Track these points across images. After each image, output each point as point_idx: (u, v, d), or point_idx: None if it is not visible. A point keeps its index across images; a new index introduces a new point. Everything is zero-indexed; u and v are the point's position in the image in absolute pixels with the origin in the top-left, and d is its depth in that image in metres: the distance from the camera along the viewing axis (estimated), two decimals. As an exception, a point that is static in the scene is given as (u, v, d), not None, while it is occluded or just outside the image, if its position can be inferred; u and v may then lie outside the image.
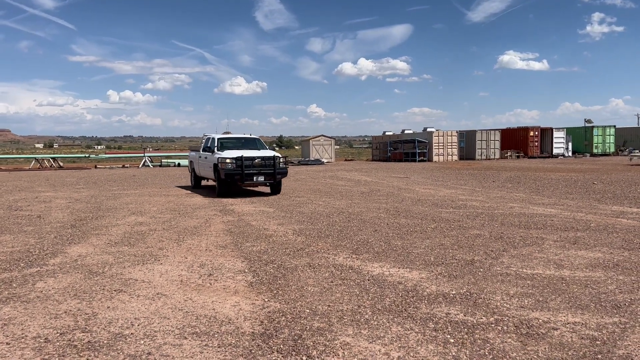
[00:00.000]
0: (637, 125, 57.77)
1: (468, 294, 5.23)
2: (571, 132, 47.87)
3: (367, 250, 7.42)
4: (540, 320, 4.43)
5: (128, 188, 18.92)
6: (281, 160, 15.46)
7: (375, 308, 4.81)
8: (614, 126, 48.43)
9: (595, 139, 47.09)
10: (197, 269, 6.42)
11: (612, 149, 47.50)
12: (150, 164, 39.42)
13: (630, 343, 3.90)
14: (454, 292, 5.29)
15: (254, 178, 14.73)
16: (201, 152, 17.13)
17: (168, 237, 8.61)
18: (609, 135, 47.74)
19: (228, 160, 14.67)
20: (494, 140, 44.01)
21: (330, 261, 6.76)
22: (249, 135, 18.02)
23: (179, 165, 39.09)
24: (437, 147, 42.05)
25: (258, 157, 14.98)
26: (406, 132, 47.42)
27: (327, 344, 3.95)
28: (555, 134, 45.66)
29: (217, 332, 4.22)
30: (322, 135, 46.55)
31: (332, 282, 5.75)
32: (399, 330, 4.22)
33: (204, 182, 18.41)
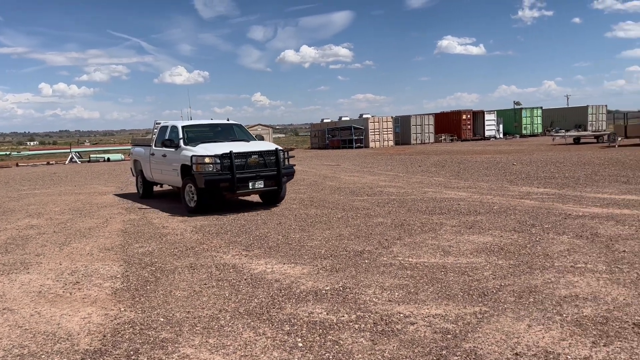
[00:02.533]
0: (566, 106, 60.28)
1: (341, 289, 5.04)
2: (502, 115, 49.36)
3: (260, 246, 7.13)
4: (402, 315, 4.28)
5: (40, 187, 17.80)
6: (286, 156, 10.79)
7: (237, 312, 4.52)
8: (541, 107, 50.35)
9: (524, 121, 48.77)
10: (66, 276, 5.93)
11: (540, 130, 49.37)
12: (77, 160, 37.61)
13: (480, 335, 3.79)
14: (328, 288, 5.09)
15: (250, 184, 9.93)
16: (154, 147, 12.07)
17: (53, 241, 8.01)
18: (537, 116, 49.57)
19: (208, 160, 9.71)
20: (428, 125, 44.75)
21: (216, 260, 6.43)
22: (226, 121, 12.51)
23: (108, 160, 37.51)
24: (373, 133, 42.32)
25: (254, 153, 10.14)
26: (343, 119, 47.48)
27: (164, 358, 3.63)
28: (487, 116, 46.95)
29: (47, 352, 3.81)
30: (260, 124, 45.97)
31: (205, 284, 5.42)
32: (250, 337, 3.96)
33: (157, 188, 13.48)
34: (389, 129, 43.05)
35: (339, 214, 9.46)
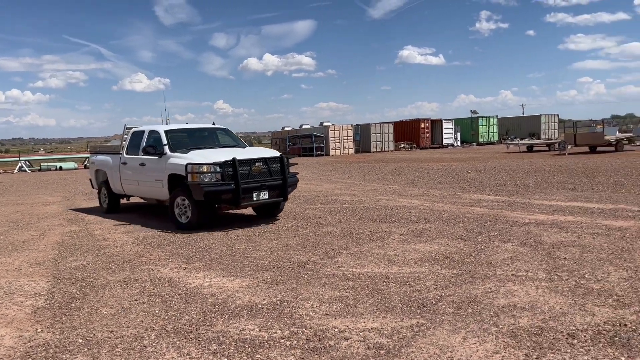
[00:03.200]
0: (521, 115, 61.92)
1: (279, 303, 4.84)
2: (460, 123, 50.33)
3: (202, 258, 6.85)
4: (336, 330, 4.11)
5: (-20, 198, 16.89)
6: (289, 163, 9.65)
7: (164, 330, 4.26)
8: (497, 116, 51.60)
9: (480, 129, 49.84)
10: (-14, 294, 5.51)
11: (496, 138, 50.54)
12: (27, 169, 36.15)
13: (414, 350, 3.66)
14: (264, 302, 4.88)
15: (255, 195, 8.79)
16: (126, 155, 10.70)
17: (-19, 256, 7.50)
18: (493, 125, 50.75)
19: (206, 168, 8.53)
20: (388, 133, 45.16)
21: (153, 274, 6.12)
22: (212, 125, 11.35)
23: (60, 168, 36.18)
24: (333, 141, 42.38)
25: (258, 160, 9.07)
26: (304, 126, 47.40)
27: (74, 384, 3.34)
28: (445, 125, 47.76)
29: (-57, 381, 3.45)
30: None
31: (136, 300, 5.12)
32: (172, 358, 3.70)
33: (123, 201, 11.98)
34: (349, 137, 43.21)
35: (289, 223, 9.26)
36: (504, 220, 8.59)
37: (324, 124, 44.09)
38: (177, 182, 9.08)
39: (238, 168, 8.62)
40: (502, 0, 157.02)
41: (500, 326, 4.01)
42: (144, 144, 10.10)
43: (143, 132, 10.53)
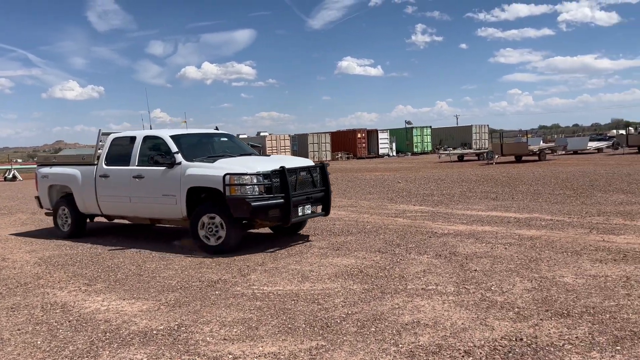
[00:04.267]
0: (455, 125, 64.09)
1: (176, 328, 4.54)
2: (395, 133, 51.42)
3: (107, 278, 6.42)
4: (231, 356, 3.87)
5: None
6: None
7: (41, 364, 3.86)
8: (430, 127, 53.19)
9: (415, 139, 51.14)
10: None
11: (430, 148, 52.00)
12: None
13: (307, 376, 3.48)
14: (161, 327, 4.56)
15: (300, 210, 7.66)
16: (106, 166, 8.83)
17: None
18: (427, 135, 52.23)
19: (247, 179, 7.26)
20: (325, 143, 45.45)
21: (47, 298, 5.65)
22: (216, 131, 9.70)
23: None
24: (270, 151, 42.11)
25: (302, 169, 7.95)
26: (241, 136, 46.81)
27: None
28: (380, 135, 48.64)
29: None
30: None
31: (19, 329, 4.67)
32: (41, 397, 3.34)
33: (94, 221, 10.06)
34: (286, 147, 43.13)
35: (208, 239, 8.91)
36: (424, 231, 8.65)
37: (261, 134, 43.82)
38: (195, 197, 7.77)
39: (289, 178, 7.47)
40: (436, 14, 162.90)
41: (400, 345, 3.91)
42: (137, 153, 8.43)
43: (133, 138, 8.71)
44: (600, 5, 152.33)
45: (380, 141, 48.47)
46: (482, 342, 3.88)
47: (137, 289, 5.89)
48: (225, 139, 9.51)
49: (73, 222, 9.52)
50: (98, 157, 9.09)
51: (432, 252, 7.05)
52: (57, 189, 9.92)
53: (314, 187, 8.04)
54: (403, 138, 51.53)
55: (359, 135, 47.78)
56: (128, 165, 8.52)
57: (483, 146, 50.70)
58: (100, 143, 9.30)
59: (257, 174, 7.31)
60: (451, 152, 37.02)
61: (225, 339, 4.23)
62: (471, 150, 39.99)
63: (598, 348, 3.68)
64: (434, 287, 5.40)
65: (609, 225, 8.33)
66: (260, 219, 7.50)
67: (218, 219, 7.47)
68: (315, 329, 4.36)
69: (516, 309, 4.60)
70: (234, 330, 4.43)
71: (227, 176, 7.22)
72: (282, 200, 7.36)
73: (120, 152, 8.85)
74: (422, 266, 6.32)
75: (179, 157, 7.91)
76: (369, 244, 7.81)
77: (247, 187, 7.23)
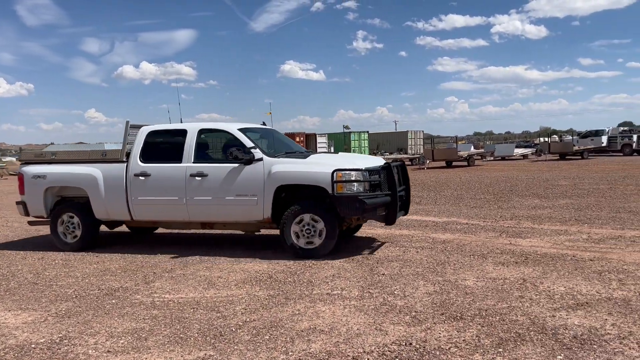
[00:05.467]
0: (393, 131, 65.35)
1: (58, 340, 4.25)
2: (333, 138, 51.80)
3: (15, 292, 5.97)
4: (110, 370, 3.65)
5: None
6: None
7: None
8: (367, 132, 53.98)
9: (352, 144, 51.68)
10: None
11: (367, 152, 52.72)
12: None
13: (186, 389, 3.32)
14: (42, 341, 4.26)
15: (377, 210, 7.04)
16: (144, 163, 7.64)
17: None
18: (364, 139, 52.92)
19: (354, 176, 6.82)
20: (263, 146, 45.07)
21: None
22: (266, 127, 8.96)
23: None
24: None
25: (377, 169, 7.24)
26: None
27: None
28: (319, 139, 48.82)
29: None
30: (81, 143, 42.08)
31: None
32: None
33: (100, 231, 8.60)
34: (223, 150, 42.39)
35: (119, 244, 8.53)
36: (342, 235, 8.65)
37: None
38: (282, 195, 7.15)
39: (371, 177, 7.01)
40: (377, 21, 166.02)
41: (290, 353, 3.83)
42: (192, 148, 7.47)
43: (182, 131, 7.69)
44: (530, 19, 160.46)
45: (318, 145, 48.61)
46: (372, 348, 3.86)
47: (28, 299, 5.51)
48: (279, 136, 8.83)
49: (86, 231, 8.00)
50: (127, 154, 7.83)
51: (346, 255, 7.04)
52: (54, 192, 8.27)
53: (401, 186, 7.63)
54: (341, 142, 51.97)
55: (297, 139, 47.56)
56: (180, 162, 7.48)
57: (418, 151, 51.98)
58: (129, 137, 7.90)
59: (365, 170, 6.93)
60: (386, 156, 37.70)
61: (109, 351, 3.99)
62: (404, 155, 40.93)
63: (481, 350, 3.74)
64: (339, 292, 5.37)
65: (518, 229, 8.66)
66: (369, 218, 7.24)
67: (318, 219, 6.92)
68: (208, 338, 4.21)
69: (413, 313, 4.63)
70: (121, 341, 4.19)
71: (336, 172, 6.74)
72: (389, 198, 7.04)
73: (161, 147, 7.89)
74: (333, 270, 6.28)
75: (258, 153, 7.19)
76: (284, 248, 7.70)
77: (355, 184, 6.80)
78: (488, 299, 4.97)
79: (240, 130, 7.52)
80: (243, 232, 8.08)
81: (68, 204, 8.22)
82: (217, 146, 8.05)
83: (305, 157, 7.43)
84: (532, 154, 40.51)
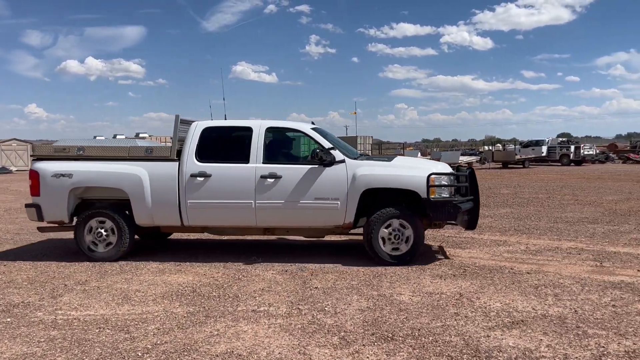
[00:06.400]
0: (344, 135, 65.43)
1: None
2: (283, 140, 51.39)
3: None
4: (-20, 409, 3.09)
5: None
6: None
7: None
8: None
9: (302, 147, 51.37)
10: None
11: (317, 156, 52.63)
12: None
13: None
14: None
15: (464, 214, 6.82)
16: (201, 162, 6.91)
17: None
18: (314, 143, 52.81)
19: (445, 181, 6.72)
20: (211, 147, 44.10)
21: None
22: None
23: None
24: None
25: (464, 174, 7.10)
26: (118, 136, 44.00)
27: None
28: (268, 141, 48.32)
29: None
30: (15, 139, 39.72)
31: None
32: None
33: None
34: (168, 150, 41.11)
35: (32, 253, 7.79)
36: (276, 244, 8.26)
37: (140, 135, 41.41)
38: (368, 199, 6.76)
39: (476, 181, 6.99)
40: (330, 26, 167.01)
41: (199, 384, 3.39)
42: (259, 147, 6.89)
43: (246, 128, 7.09)
44: (477, 31, 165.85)
45: (267, 148, 48.08)
46: (292, 376, 3.48)
47: None
48: (334, 137, 8.00)
49: (123, 238, 6.99)
50: (178, 151, 7.09)
51: (280, 267, 6.65)
52: (76, 194, 7.16)
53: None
54: (291, 146, 51.65)
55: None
56: (247, 162, 6.86)
57: (367, 156, 52.28)
58: (179, 132, 7.15)
59: (454, 175, 6.90)
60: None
61: (-15, 384, 3.42)
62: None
63: (410, 378, 3.43)
64: (266, 309, 4.97)
65: (458, 239, 8.53)
66: (456, 223, 6.95)
67: (406, 226, 6.60)
68: (108, 365, 3.70)
69: (342, 333, 4.28)
70: (4, 370, 3.63)
71: (432, 177, 6.52)
72: (472, 203, 6.80)
73: (220, 145, 7.20)
74: (263, 283, 5.87)
75: (339, 155, 6.78)
76: (218, 257, 7.21)
77: (446, 189, 6.64)
78: (422, 316, 4.70)
79: (315, 129, 7.11)
80: (305, 238, 7.82)
81: (100, 207, 7.14)
82: (285, 145, 7.58)
83: (390, 159, 7.21)
84: (476, 162, 41.45)
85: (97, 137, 45.46)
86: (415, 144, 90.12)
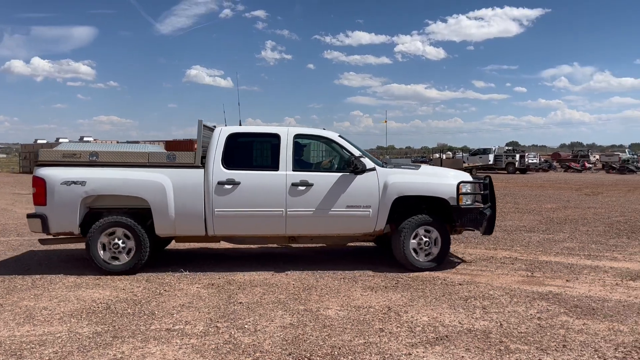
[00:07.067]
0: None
1: None
2: (235, 146, 50.73)
3: None
4: None
5: None
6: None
7: None
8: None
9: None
10: None
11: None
12: None
13: None
14: None
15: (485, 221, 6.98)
16: (228, 169, 6.62)
17: None
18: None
19: (473, 187, 6.97)
20: (160, 152, 42.95)
21: None
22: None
23: None
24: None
25: (486, 182, 7.26)
26: (61, 140, 42.22)
27: None
28: (220, 147, 47.54)
29: None
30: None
31: None
32: None
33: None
34: (114, 155, 39.75)
35: (-58, 264, 7.16)
36: (209, 254, 7.92)
37: (85, 139, 39.90)
38: (400, 207, 6.80)
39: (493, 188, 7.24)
40: (285, 32, 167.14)
41: (85, 418, 3.05)
42: (288, 154, 6.72)
43: (273, 135, 6.85)
44: (430, 41, 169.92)
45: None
46: (192, 406, 3.19)
47: None
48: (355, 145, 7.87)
49: (143, 249, 6.54)
50: (203, 158, 6.79)
51: (207, 279, 6.32)
52: (87, 203, 6.61)
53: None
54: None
55: (195, 146, 46.00)
56: (276, 170, 6.68)
57: (320, 163, 52.30)
58: (202, 137, 6.87)
59: (477, 183, 7.07)
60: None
61: None
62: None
63: (319, 405, 3.20)
64: (181, 327, 4.64)
65: (396, 248, 8.40)
66: (478, 229, 6.98)
67: (435, 233, 6.79)
68: (-15, 398, 3.31)
69: (257, 354, 4.02)
70: None
71: (461, 184, 6.77)
72: (491, 212, 6.97)
73: (247, 151, 7.03)
74: (185, 299, 5.53)
75: (369, 162, 6.78)
76: (147, 270, 6.80)
77: (471, 196, 6.90)
78: (346, 332, 4.49)
79: (341, 137, 7.08)
80: (327, 245, 7.92)
81: (117, 216, 6.61)
82: (311, 153, 7.56)
83: (417, 168, 7.32)
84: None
85: (39, 141, 43.58)
86: (369, 150, 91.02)
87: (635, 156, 45.07)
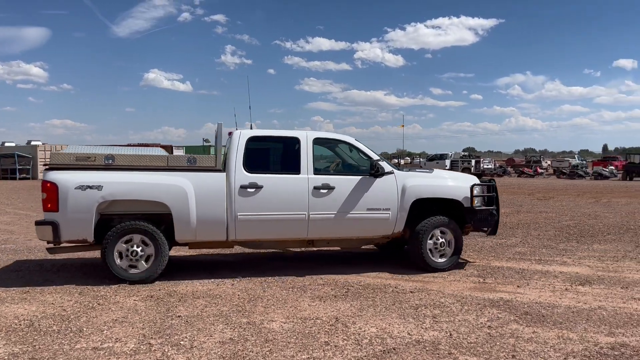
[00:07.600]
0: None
1: None
2: (192, 150, 49.56)
3: None
4: None
5: None
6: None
7: None
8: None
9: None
10: None
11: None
12: None
13: None
14: None
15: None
16: (250, 173, 6.47)
17: None
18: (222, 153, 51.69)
19: (482, 189, 7.16)
20: (113, 157, 41.62)
21: None
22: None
23: None
24: (43, 163, 36.90)
25: (493, 185, 7.55)
26: (7, 144, 40.42)
27: None
28: (176, 151, 46.30)
29: None
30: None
31: None
32: None
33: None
34: (64, 159, 38.24)
35: None
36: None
37: (32, 143, 38.25)
38: (418, 209, 6.92)
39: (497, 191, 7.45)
40: (245, 37, 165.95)
41: None
42: (308, 158, 6.68)
43: (293, 139, 6.79)
44: (389, 49, 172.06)
45: (175, 158, 46.25)
46: None
47: None
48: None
49: (162, 256, 6.25)
50: (229, 160, 6.51)
51: (147, 291, 5.93)
52: (101, 209, 6.18)
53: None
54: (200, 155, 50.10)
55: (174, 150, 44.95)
56: (298, 173, 6.62)
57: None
58: (217, 141, 6.80)
59: (487, 185, 7.24)
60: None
61: None
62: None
63: None
64: (110, 345, 4.27)
65: (350, 255, 8.21)
66: (485, 231, 7.38)
67: (449, 234, 6.97)
68: None
69: (190, 374, 3.70)
70: None
71: (474, 187, 6.98)
72: (496, 214, 7.25)
73: (267, 155, 7.06)
74: (120, 312, 5.14)
75: (387, 166, 6.90)
76: (76, 279, 6.35)
77: (481, 198, 7.10)
78: (289, 347, 4.23)
79: (357, 140, 7.16)
80: (341, 249, 7.94)
81: (133, 221, 6.22)
82: (329, 156, 7.55)
83: (431, 171, 7.46)
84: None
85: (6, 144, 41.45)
86: (331, 156, 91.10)
87: (584, 162, 46.71)
